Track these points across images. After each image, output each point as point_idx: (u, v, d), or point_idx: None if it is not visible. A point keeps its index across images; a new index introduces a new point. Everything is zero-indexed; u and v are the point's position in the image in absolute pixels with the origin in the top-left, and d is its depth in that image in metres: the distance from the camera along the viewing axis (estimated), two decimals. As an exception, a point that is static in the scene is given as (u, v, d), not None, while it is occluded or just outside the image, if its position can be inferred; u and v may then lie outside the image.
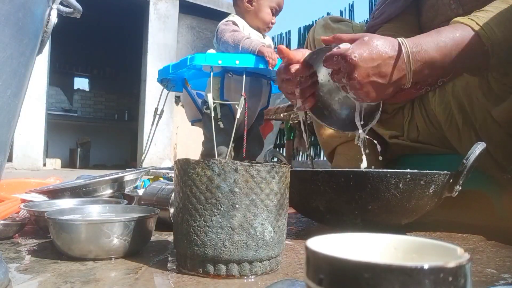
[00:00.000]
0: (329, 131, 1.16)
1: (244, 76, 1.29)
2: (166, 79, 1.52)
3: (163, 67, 1.50)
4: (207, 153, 1.49)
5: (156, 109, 1.57)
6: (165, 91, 1.60)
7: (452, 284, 0.21)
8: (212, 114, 1.31)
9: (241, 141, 1.39)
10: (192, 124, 1.75)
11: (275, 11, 1.49)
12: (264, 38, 1.51)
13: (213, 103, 1.32)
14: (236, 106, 1.31)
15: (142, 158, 1.65)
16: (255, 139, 1.55)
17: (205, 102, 1.51)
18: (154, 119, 1.56)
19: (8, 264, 0.51)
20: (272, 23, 1.51)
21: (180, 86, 1.60)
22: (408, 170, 0.66)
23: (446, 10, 0.95)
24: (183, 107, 1.81)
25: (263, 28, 1.50)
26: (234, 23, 1.44)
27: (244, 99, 1.27)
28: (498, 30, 0.68)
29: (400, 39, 0.69)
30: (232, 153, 1.43)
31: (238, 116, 1.28)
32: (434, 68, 0.70)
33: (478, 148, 0.67)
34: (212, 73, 1.31)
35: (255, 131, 1.55)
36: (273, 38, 5.58)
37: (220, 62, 1.27)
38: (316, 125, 1.21)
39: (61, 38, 4.76)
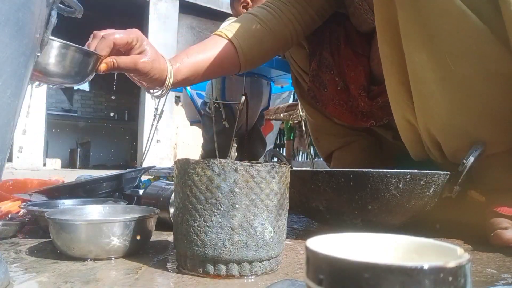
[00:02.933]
0: (325, 136, 1.16)
1: (244, 76, 1.29)
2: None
3: (163, 67, 1.49)
4: (207, 156, 1.49)
5: (156, 109, 1.57)
6: (165, 91, 1.59)
7: (452, 284, 0.21)
8: (213, 114, 1.31)
9: (243, 142, 1.40)
10: (191, 124, 1.75)
11: None
12: None
13: (215, 103, 1.32)
14: (237, 106, 1.31)
15: (143, 158, 1.65)
16: (257, 139, 1.56)
17: (205, 103, 1.52)
18: (154, 119, 1.56)
19: (8, 264, 0.51)
20: None
21: (180, 86, 1.60)
22: (408, 170, 0.66)
23: (366, 19, 0.98)
24: (183, 107, 1.82)
25: None
26: None
27: (246, 98, 1.27)
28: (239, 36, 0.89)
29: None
30: (233, 154, 1.43)
31: (238, 116, 1.28)
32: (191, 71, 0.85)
33: (478, 148, 0.67)
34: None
35: (257, 132, 1.56)
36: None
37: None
38: (311, 129, 1.21)
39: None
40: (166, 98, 1.56)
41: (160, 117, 1.57)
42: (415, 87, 0.73)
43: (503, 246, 0.64)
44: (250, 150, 1.48)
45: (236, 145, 1.49)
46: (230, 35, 0.89)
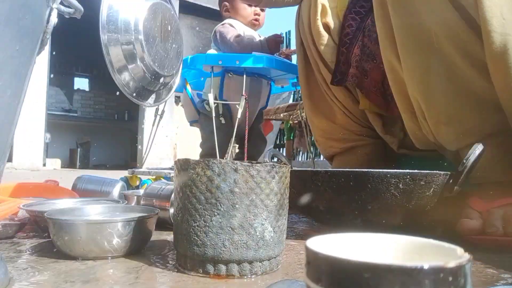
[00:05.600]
0: (326, 140, 1.15)
1: (244, 76, 1.29)
2: (166, 79, 1.52)
3: (163, 67, 1.49)
4: (206, 153, 1.49)
5: (157, 109, 1.57)
6: (165, 91, 1.59)
7: (452, 284, 0.21)
8: (213, 114, 1.31)
9: (243, 141, 1.40)
10: (191, 125, 1.75)
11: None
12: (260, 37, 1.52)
13: (214, 102, 1.32)
14: (236, 106, 1.31)
15: (143, 158, 1.65)
16: (257, 137, 1.56)
17: (202, 100, 1.52)
18: (154, 119, 1.55)
19: (8, 264, 0.51)
20: (257, 14, 1.52)
21: (180, 86, 1.60)
22: (408, 170, 0.66)
23: None
24: (183, 107, 1.82)
25: (251, 24, 1.52)
26: (231, 25, 1.47)
27: (245, 99, 1.27)
28: None
29: None
30: (234, 154, 1.43)
31: (239, 116, 1.28)
32: None
33: (478, 148, 0.67)
34: (212, 73, 1.31)
35: (257, 129, 1.56)
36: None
37: (220, 62, 1.27)
38: (313, 131, 1.19)
39: (61, 38, 4.77)
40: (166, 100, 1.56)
41: (161, 117, 1.56)
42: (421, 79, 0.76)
43: (466, 235, 0.67)
44: (250, 150, 1.48)
45: (236, 144, 1.50)
46: None
